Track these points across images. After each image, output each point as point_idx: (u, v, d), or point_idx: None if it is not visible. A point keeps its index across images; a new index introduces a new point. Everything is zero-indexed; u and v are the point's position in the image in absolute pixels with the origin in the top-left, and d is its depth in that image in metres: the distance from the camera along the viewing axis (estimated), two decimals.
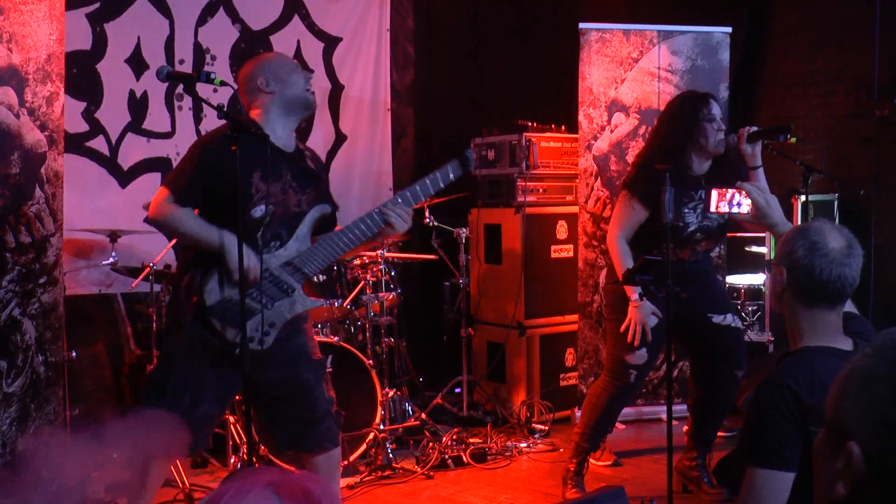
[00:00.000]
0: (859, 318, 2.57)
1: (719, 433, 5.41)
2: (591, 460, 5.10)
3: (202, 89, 3.33)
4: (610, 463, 5.11)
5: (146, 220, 3.45)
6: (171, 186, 3.34)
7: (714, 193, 3.11)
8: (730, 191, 3.07)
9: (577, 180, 5.98)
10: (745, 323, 6.02)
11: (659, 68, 5.87)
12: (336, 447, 3.64)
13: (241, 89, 3.51)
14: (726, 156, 4.24)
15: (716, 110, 4.21)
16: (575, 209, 6.00)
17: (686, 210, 4.24)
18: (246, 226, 3.27)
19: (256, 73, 3.46)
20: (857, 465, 1.31)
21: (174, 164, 5.76)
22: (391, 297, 5.44)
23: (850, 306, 2.52)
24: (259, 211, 3.33)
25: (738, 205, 3.06)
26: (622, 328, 4.28)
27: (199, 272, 3.32)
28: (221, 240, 3.25)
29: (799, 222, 5.79)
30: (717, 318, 4.41)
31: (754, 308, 6.29)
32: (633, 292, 4.21)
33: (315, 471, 3.53)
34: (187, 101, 5.83)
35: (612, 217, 4.39)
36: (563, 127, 6.26)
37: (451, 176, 3.49)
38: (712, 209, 3.13)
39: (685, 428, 4.80)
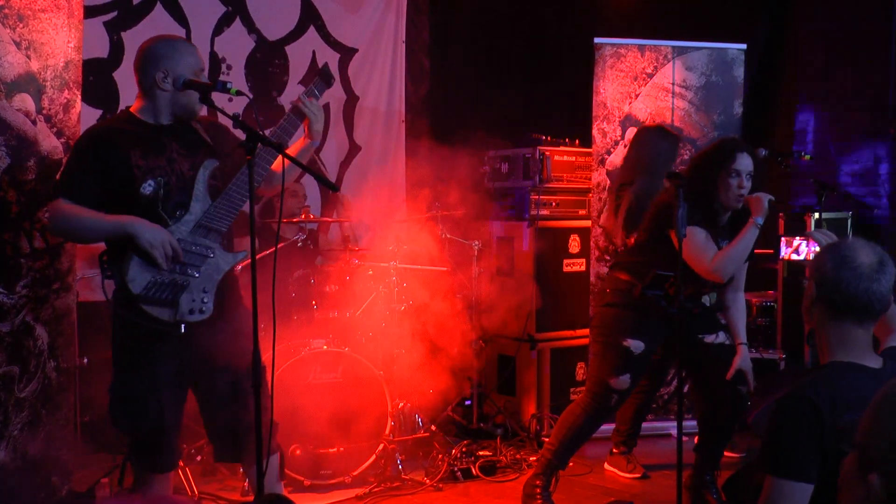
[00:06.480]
0: None
1: (734, 454, 5.41)
2: (618, 472, 5.16)
3: (217, 98, 3.37)
4: (639, 476, 5.13)
5: (49, 232, 3.33)
6: (61, 190, 3.23)
7: (783, 242, 3.10)
8: (798, 239, 3.05)
9: (590, 194, 5.98)
10: (755, 340, 5.99)
11: (673, 84, 5.88)
12: (275, 454, 3.50)
13: (136, 66, 3.37)
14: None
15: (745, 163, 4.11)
16: (587, 223, 6.01)
17: None
18: (142, 204, 3.21)
19: (155, 65, 3.31)
20: (875, 497, 1.29)
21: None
22: (402, 308, 5.44)
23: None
24: (148, 187, 3.23)
25: (802, 253, 3.05)
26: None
27: (115, 269, 3.21)
28: (126, 224, 3.16)
29: None
30: (709, 338, 4.41)
31: (766, 325, 6.26)
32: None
33: (251, 477, 3.48)
34: (201, 110, 5.84)
35: (693, 256, 4.11)
36: (576, 141, 6.26)
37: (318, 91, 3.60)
38: (782, 258, 3.12)
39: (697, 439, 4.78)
